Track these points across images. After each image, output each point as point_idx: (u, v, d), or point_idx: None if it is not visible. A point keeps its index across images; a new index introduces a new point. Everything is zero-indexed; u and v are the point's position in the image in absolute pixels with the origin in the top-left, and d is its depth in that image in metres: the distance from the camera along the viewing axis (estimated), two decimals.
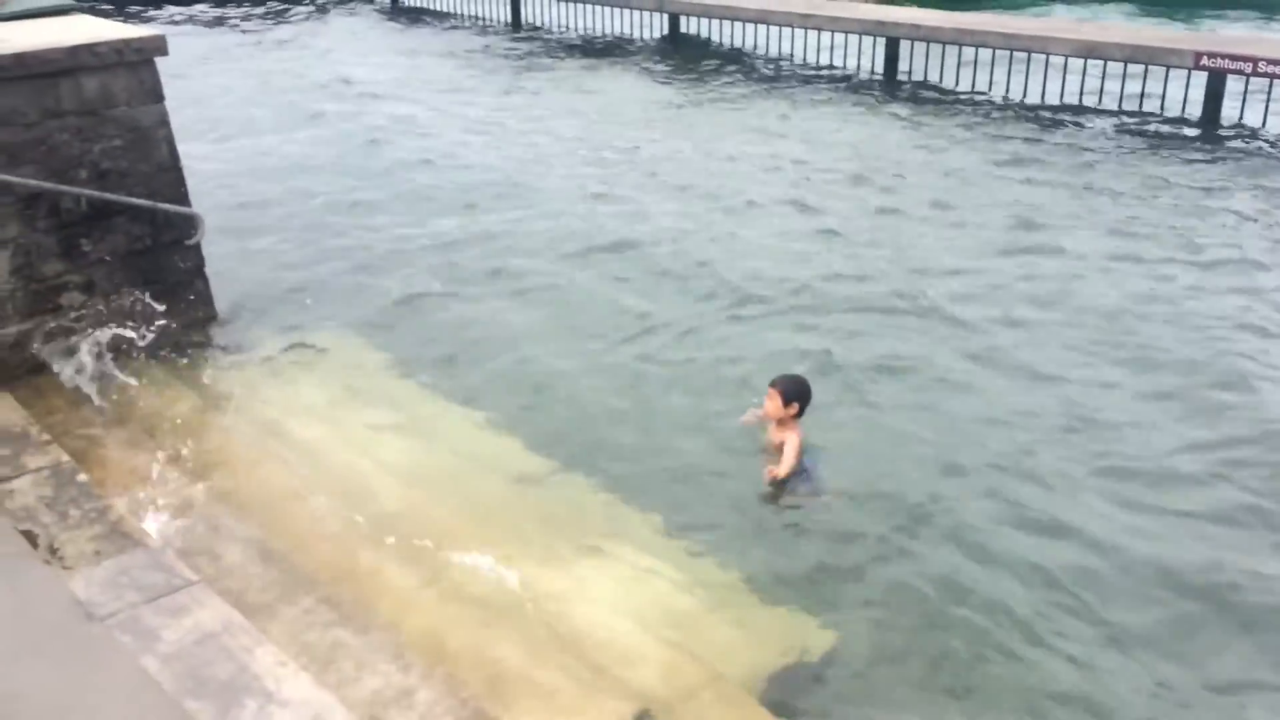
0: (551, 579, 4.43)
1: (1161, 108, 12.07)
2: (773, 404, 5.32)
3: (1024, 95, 12.85)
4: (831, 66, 14.55)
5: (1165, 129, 11.58)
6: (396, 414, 5.82)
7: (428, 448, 5.54)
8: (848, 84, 13.99)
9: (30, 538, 3.93)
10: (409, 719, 3.39)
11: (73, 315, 5.99)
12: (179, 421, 5.50)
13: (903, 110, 12.64)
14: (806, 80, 14.21)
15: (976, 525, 4.90)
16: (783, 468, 5.12)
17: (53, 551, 3.92)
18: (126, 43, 5.93)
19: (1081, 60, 12.70)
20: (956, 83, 13.52)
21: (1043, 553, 4.69)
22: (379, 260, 8.14)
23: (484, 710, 3.45)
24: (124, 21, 6.16)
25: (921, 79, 13.92)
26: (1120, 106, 12.31)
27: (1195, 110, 11.83)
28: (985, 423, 5.77)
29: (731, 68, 14.96)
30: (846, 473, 5.29)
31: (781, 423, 5.34)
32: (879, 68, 14.26)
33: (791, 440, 5.22)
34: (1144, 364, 6.40)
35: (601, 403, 5.99)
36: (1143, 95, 12.27)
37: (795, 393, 5.32)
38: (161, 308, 6.36)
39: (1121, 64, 12.27)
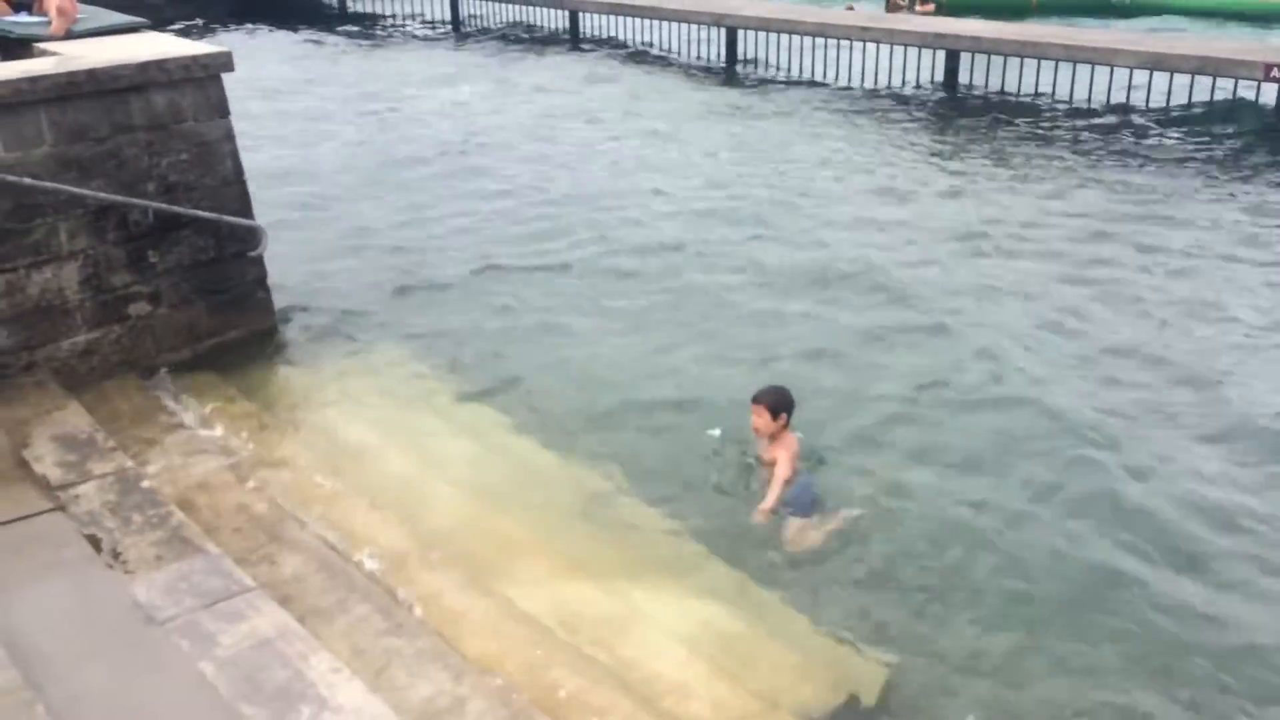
0: (605, 602, 4.41)
1: (1230, 119, 11.81)
2: (761, 420, 5.19)
3: (1089, 104, 12.66)
4: (890, 82, 14.43)
5: (1234, 141, 11.31)
6: (455, 427, 5.85)
7: (486, 463, 5.55)
8: (907, 98, 13.87)
9: (94, 542, 4.01)
10: None
11: (140, 325, 6.13)
12: (240, 430, 5.58)
13: (964, 122, 12.52)
14: (867, 94, 14.12)
15: (1023, 545, 4.81)
16: (770, 498, 4.98)
17: (115, 556, 4.00)
18: (195, 59, 6.07)
19: (1148, 72, 12.48)
20: (1018, 93, 13.35)
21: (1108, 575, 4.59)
22: (440, 272, 8.21)
23: None
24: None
25: (983, 91, 13.77)
26: (1187, 117, 12.06)
27: (1265, 121, 11.58)
28: (1046, 437, 5.66)
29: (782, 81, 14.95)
30: (885, 482, 5.22)
31: (773, 437, 5.21)
32: (939, 78, 14.14)
33: (783, 458, 5.09)
34: (1215, 376, 6.24)
35: (663, 426, 5.94)
36: (1210, 106, 12.02)
37: (781, 403, 5.19)
38: (225, 318, 6.49)
39: (1189, 76, 12.02)
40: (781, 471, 5.07)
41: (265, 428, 5.70)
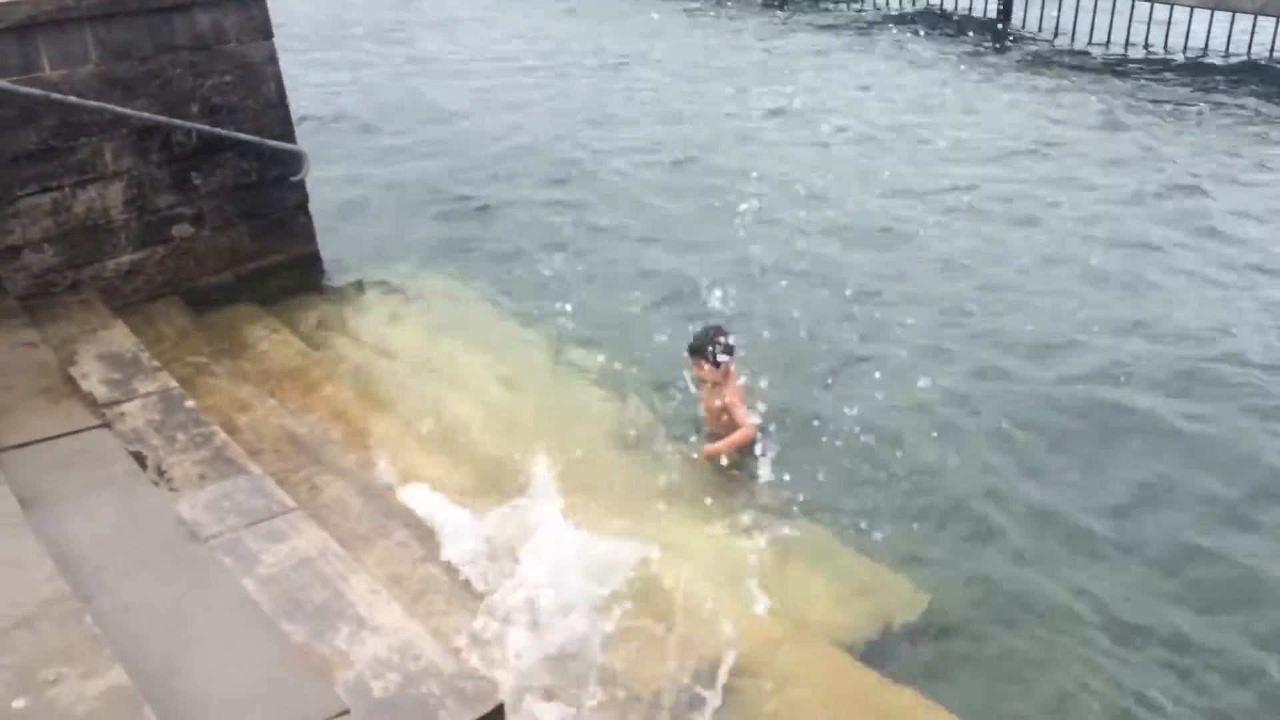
0: (643, 529, 4.44)
1: None
2: (704, 370, 4.98)
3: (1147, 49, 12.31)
4: (942, 12, 14.08)
5: None
6: (493, 356, 5.87)
7: (524, 390, 5.58)
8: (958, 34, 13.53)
9: (139, 459, 4.08)
10: (496, 654, 3.44)
11: (182, 247, 6.16)
12: (280, 354, 5.64)
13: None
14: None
15: (1067, 475, 4.80)
16: (723, 444, 4.85)
17: (160, 473, 4.06)
18: None
19: (1208, 11, 12.11)
20: (1073, 37, 12.99)
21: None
22: (482, 200, 8.21)
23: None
24: None
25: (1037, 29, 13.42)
26: (1249, 59, 11.71)
27: None
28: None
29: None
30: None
31: (716, 385, 5.01)
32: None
33: (736, 407, 4.91)
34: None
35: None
36: (1273, 48, 11.65)
37: (727, 351, 4.96)
38: (266, 242, 6.51)
39: (1251, 16, 11.65)
40: (738, 415, 4.91)
41: (305, 353, 5.74)
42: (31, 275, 5.57)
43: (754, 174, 8.22)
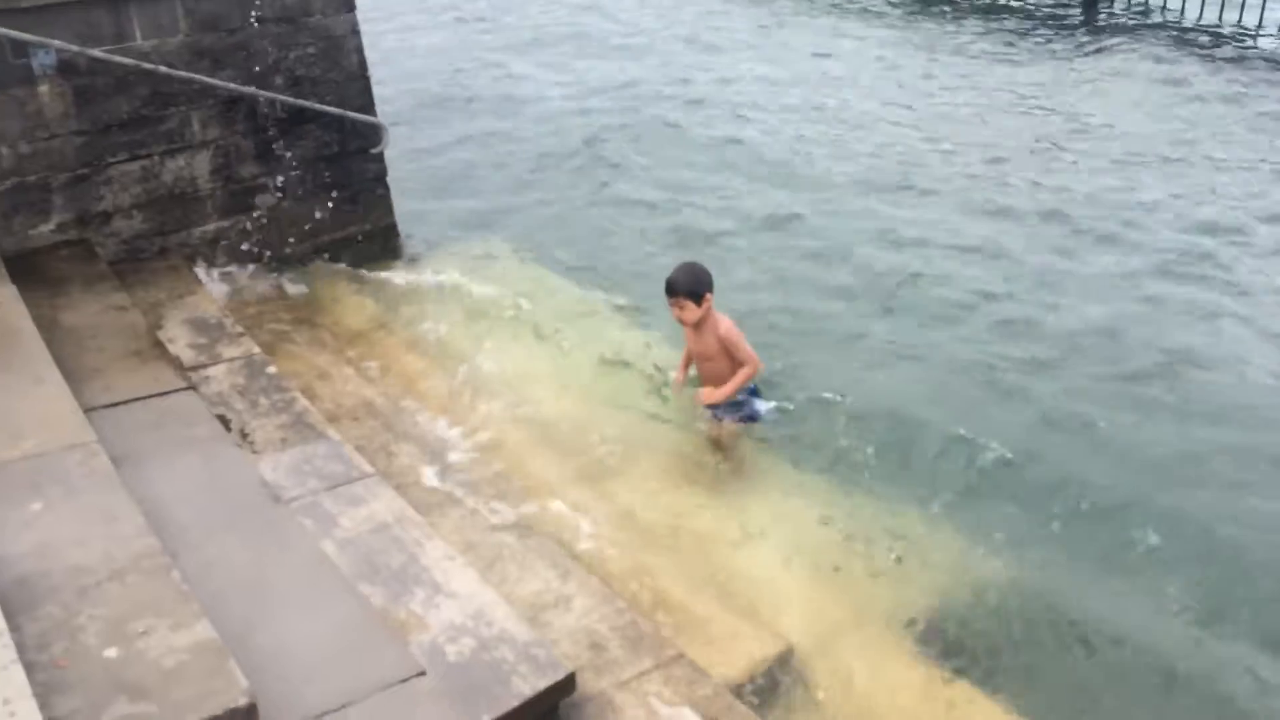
0: (704, 510, 4.44)
1: None
2: (686, 311, 4.67)
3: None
4: None
5: None
6: (567, 328, 5.89)
7: (601, 364, 5.59)
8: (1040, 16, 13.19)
9: (224, 422, 4.18)
10: (566, 621, 3.46)
11: (266, 217, 6.28)
12: (358, 322, 5.73)
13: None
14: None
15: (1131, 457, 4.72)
16: (727, 388, 4.68)
17: (243, 436, 4.16)
18: None
19: None
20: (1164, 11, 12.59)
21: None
22: (560, 175, 8.24)
23: (638, 624, 3.49)
24: None
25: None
26: None
27: None
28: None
29: None
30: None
31: (699, 325, 4.72)
32: None
33: (737, 343, 4.67)
34: None
35: (769, 333, 5.91)
36: None
37: (699, 284, 4.66)
38: (346, 213, 6.61)
39: None
40: (745, 355, 4.70)
41: (382, 321, 5.83)
42: (121, 241, 5.73)
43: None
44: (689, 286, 4.65)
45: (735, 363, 4.84)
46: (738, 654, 3.51)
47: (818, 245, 7.02)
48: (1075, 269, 6.63)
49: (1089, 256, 6.79)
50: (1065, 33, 12.58)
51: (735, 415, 4.93)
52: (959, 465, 4.76)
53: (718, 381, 4.88)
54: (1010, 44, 12.14)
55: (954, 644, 3.82)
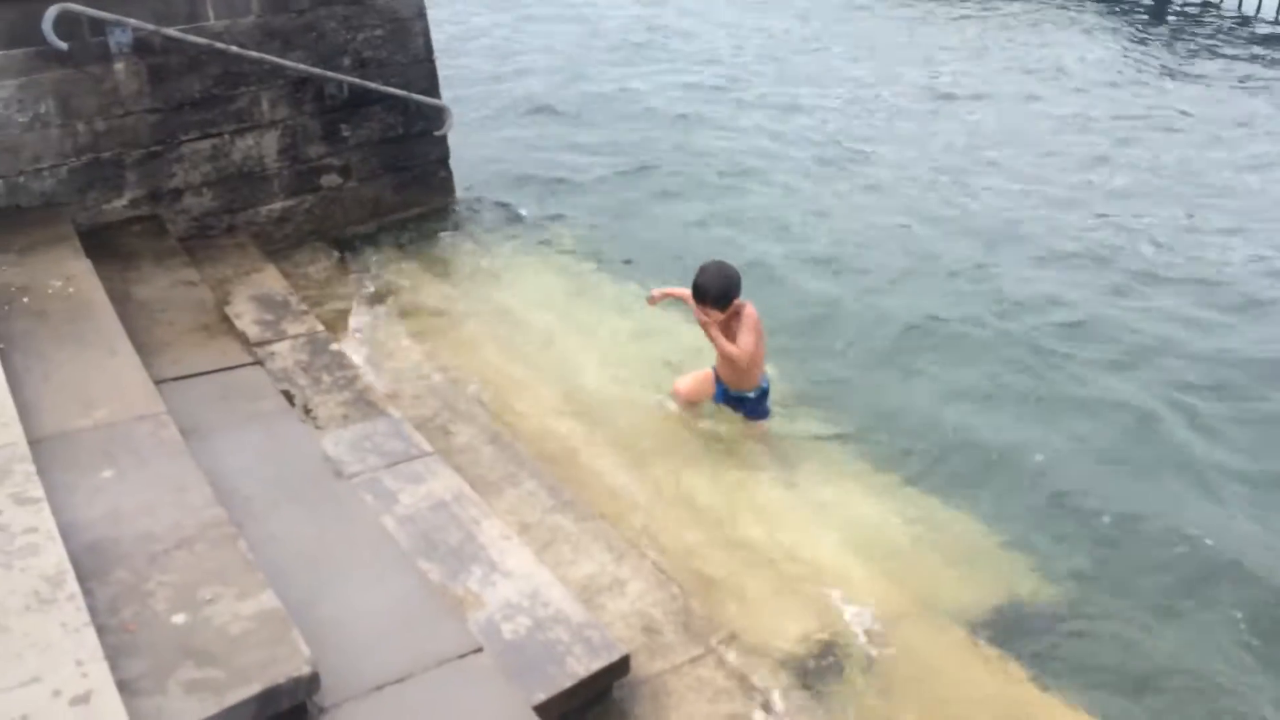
0: (759, 490, 4.44)
1: None
2: (710, 315, 4.45)
3: None
4: None
5: None
6: (624, 313, 5.90)
7: (653, 346, 5.60)
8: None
9: (288, 397, 4.25)
10: (620, 604, 3.48)
11: (330, 196, 6.37)
12: (419, 303, 5.79)
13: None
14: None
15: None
16: (721, 344, 4.46)
17: (307, 411, 4.23)
18: None
19: None
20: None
21: None
22: (617, 159, 8.23)
23: (692, 608, 3.50)
24: None
25: None
26: None
27: None
28: None
29: None
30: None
31: (727, 323, 4.52)
32: None
33: (749, 336, 4.46)
34: None
35: (826, 324, 5.88)
36: None
37: (727, 287, 4.40)
38: (408, 194, 6.68)
39: None
40: (741, 341, 4.47)
41: (442, 303, 5.89)
42: (191, 218, 5.84)
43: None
44: (719, 293, 4.40)
45: (753, 362, 4.62)
46: (794, 638, 3.50)
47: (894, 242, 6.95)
48: (1156, 270, 6.49)
49: (1171, 263, 6.66)
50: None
51: (750, 413, 4.84)
52: (1021, 459, 4.70)
53: (737, 379, 4.74)
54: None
55: (1016, 636, 3.77)
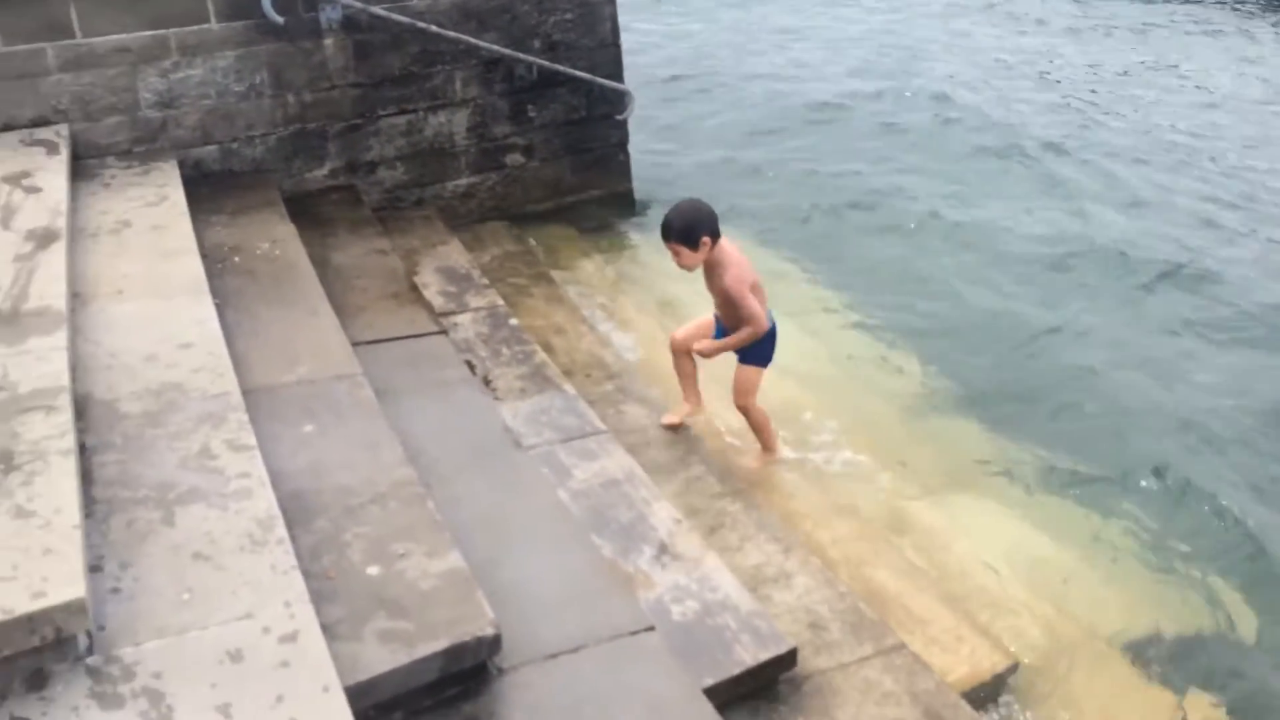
0: (927, 507, 4.33)
1: None
2: (681, 258, 4.05)
3: None
4: None
5: None
6: (795, 312, 5.87)
7: (817, 351, 5.55)
8: None
9: (470, 367, 4.39)
10: (787, 598, 3.46)
11: (512, 175, 6.53)
12: (592, 282, 5.89)
13: None
14: None
15: None
16: (735, 338, 4.12)
17: (487, 382, 4.36)
18: None
19: None
20: None
21: None
22: (798, 159, 8.17)
23: (860, 609, 3.45)
24: None
25: None
26: None
27: None
28: None
29: None
30: None
31: (708, 271, 4.14)
32: None
33: (741, 297, 4.04)
34: None
35: (1010, 339, 5.71)
36: None
37: (697, 225, 3.97)
38: (586, 177, 6.79)
39: None
40: (745, 315, 4.08)
41: (615, 283, 5.97)
42: (384, 190, 6.10)
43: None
44: (682, 231, 3.99)
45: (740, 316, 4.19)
46: (959, 658, 3.40)
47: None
48: None
49: None
50: None
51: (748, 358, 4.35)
52: (1195, 481, 4.46)
53: (738, 322, 4.24)
54: None
55: (1190, 668, 3.59)
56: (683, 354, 4.41)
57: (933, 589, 3.80)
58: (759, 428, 4.45)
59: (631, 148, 7.04)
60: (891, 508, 4.30)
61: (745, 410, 4.41)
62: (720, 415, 4.66)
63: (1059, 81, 10.24)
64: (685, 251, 4.03)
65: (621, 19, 6.66)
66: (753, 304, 4.10)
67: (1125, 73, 10.51)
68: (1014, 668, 3.45)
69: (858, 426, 4.86)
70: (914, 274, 6.32)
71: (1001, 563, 4.02)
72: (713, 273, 4.15)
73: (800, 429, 4.79)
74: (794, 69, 10.88)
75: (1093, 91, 9.99)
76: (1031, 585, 3.90)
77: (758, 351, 4.30)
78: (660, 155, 7.97)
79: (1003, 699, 3.39)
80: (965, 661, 3.42)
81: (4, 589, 2.17)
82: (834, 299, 6.10)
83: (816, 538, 3.99)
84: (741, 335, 4.18)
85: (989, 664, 3.42)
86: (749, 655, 2.99)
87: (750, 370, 4.33)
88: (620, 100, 6.77)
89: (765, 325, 4.19)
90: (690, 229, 3.99)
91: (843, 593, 3.50)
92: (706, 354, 4.27)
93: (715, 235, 4.05)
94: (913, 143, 8.66)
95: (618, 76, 6.74)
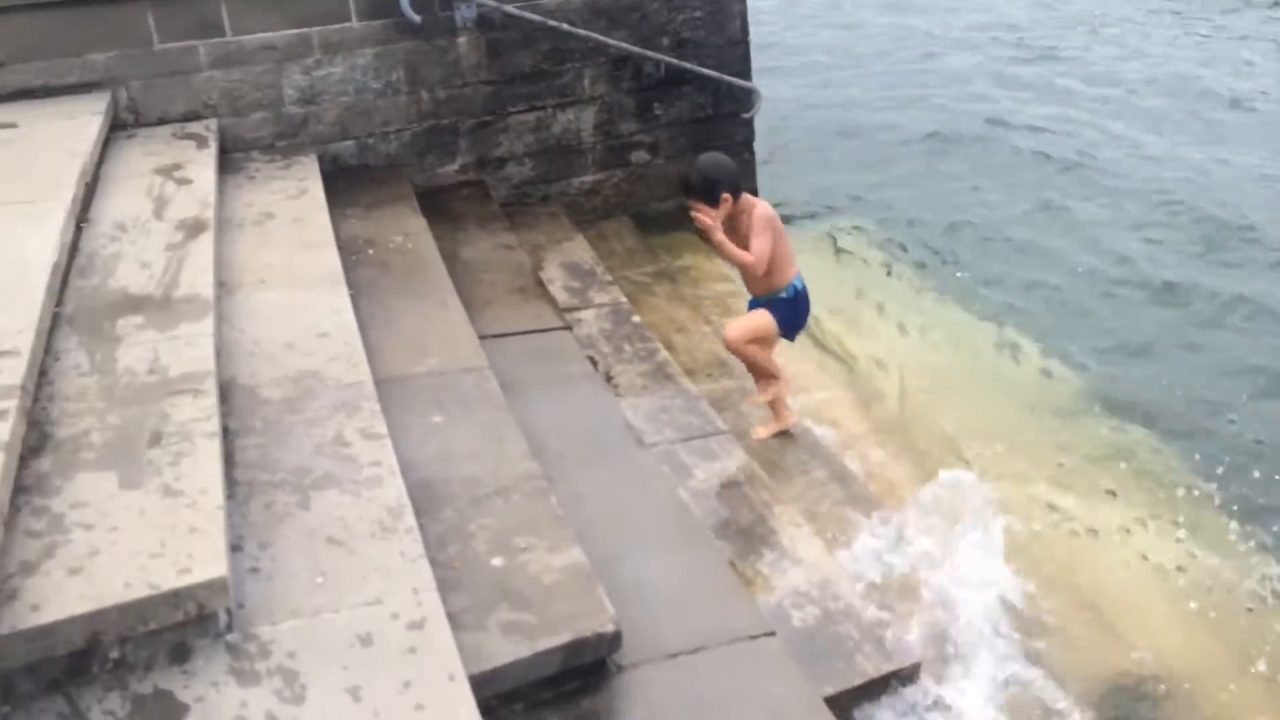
0: (1067, 511, 4.18)
1: None
2: (709, 213, 3.96)
3: None
4: None
5: None
6: (920, 313, 5.75)
7: (944, 348, 5.43)
8: None
9: (593, 363, 4.42)
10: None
11: (637, 173, 6.55)
12: (714, 281, 5.86)
13: None
14: None
15: None
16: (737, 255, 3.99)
17: (608, 379, 4.38)
18: None
19: None
20: None
21: None
22: (918, 160, 8.00)
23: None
24: None
25: None
26: None
27: None
28: None
29: None
30: None
31: (733, 218, 4.05)
32: None
33: (759, 237, 3.97)
34: None
35: (1156, 342, 5.47)
36: None
37: (719, 181, 3.95)
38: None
39: None
40: (754, 249, 3.99)
41: (738, 285, 5.91)
42: (511, 185, 6.18)
43: None
44: (701, 186, 3.98)
45: (777, 265, 4.14)
46: (1096, 672, 3.28)
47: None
48: None
49: None
50: None
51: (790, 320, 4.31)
52: None
53: (761, 286, 4.25)
54: None
55: None
56: (741, 348, 4.25)
57: (1070, 595, 3.68)
58: (755, 369, 4.33)
59: (756, 146, 6.98)
60: (1024, 513, 4.16)
61: (735, 348, 4.23)
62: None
63: None
64: (711, 206, 4.00)
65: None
66: (763, 242, 4.03)
67: None
68: (1156, 683, 3.30)
69: (984, 427, 4.74)
70: (1062, 284, 6.09)
71: (1146, 575, 3.88)
72: (737, 227, 4.09)
73: (916, 424, 4.70)
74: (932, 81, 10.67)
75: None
76: (1177, 600, 3.75)
77: (784, 318, 4.23)
78: (784, 152, 7.89)
79: (1141, 707, 3.25)
80: (1102, 677, 3.31)
81: (152, 565, 2.26)
82: (954, 296, 5.96)
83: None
84: (738, 254, 4.05)
85: (1129, 678, 3.33)
86: (871, 666, 2.93)
87: (767, 319, 4.21)
88: (747, 98, 6.71)
89: (764, 266, 4.08)
90: (712, 185, 3.98)
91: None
92: (705, 226, 4.00)
93: (736, 191, 4.03)
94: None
95: (745, 74, 6.68)
